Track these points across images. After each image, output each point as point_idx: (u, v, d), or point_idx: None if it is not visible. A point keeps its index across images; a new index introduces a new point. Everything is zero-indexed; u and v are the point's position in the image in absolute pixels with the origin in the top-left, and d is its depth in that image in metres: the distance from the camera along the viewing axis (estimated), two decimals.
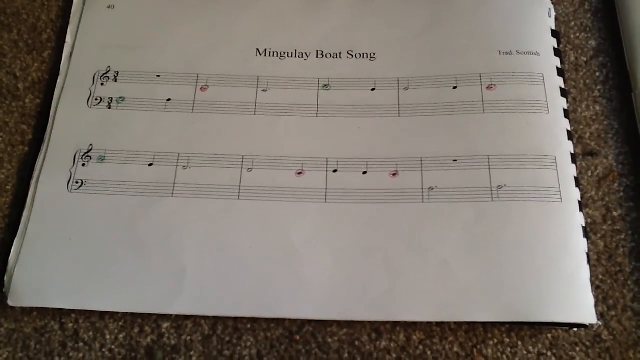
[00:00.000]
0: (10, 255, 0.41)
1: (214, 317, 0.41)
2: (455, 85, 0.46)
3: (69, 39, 0.49)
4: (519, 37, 0.47)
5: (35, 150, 0.46)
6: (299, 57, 0.48)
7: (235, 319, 0.41)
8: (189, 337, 0.41)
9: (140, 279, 0.41)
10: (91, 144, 0.45)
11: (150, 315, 0.41)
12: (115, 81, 0.47)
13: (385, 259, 0.41)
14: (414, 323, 0.41)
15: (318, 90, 0.47)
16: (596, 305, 0.40)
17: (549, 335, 0.41)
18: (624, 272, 0.42)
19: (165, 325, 0.41)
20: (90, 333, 0.41)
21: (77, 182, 0.44)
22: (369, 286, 0.40)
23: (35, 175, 0.44)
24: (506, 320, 0.40)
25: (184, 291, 0.40)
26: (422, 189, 0.43)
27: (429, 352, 0.40)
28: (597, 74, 0.49)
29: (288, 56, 0.48)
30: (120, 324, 0.41)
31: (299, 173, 0.44)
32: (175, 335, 0.41)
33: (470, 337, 0.40)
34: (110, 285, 0.40)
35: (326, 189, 0.43)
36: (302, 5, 0.50)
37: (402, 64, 0.47)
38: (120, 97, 0.47)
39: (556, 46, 0.47)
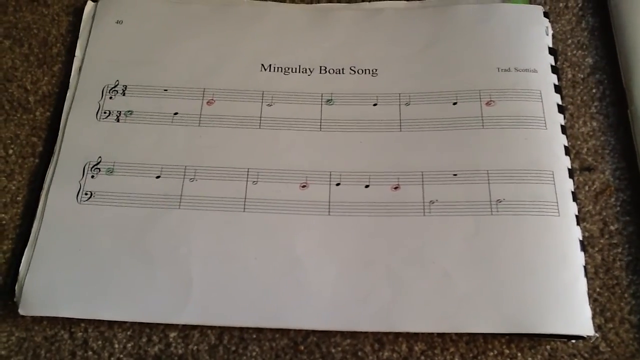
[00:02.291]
0: (21, 265, 0.42)
1: (220, 327, 0.42)
2: (455, 101, 0.47)
3: (78, 53, 0.50)
4: (517, 54, 0.48)
5: (45, 162, 0.46)
6: (303, 72, 0.49)
7: (241, 329, 0.42)
8: (195, 347, 0.41)
9: (148, 289, 0.41)
10: (100, 157, 0.46)
11: (157, 324, 0.42)
12: (124, 95, 0.48)
13: (387, 271, 0.42)
14: (416, 334, 0.41)
15: (321, 105, 0.48)
16: (594, 318, 0.41)
17: (548, 347, 0.41)
18: (621, 285, 0.43)
19: (173, 334, 0.42)
20: (99, 342, 0.42)
21: (86, 194, 0.45)
22: (372, 297, 0.41)
23: (45, 186, 0.45)
24: (506, 332, 0.40)
25: (190, 301, 0.41)
26: (423, 202, 0.44)
27: None
28: (594, 90, 0.50)
29: (292, 71, 0.49)
30: (129, 333, 0.42)
31: (303, 186, 0.45)
32: (182, 344, 0.42)
33: (471, 348, 0.41)
34: (119, 295, 0.41)
35: (329, 202, 0.44)
36: (306, 22, 0.51)
37: (403, 80, 0.48)
38: (129, 111, 0.48)
39: (553, 63, 0.48)
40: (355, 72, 0.49)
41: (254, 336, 0.42)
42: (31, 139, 0.48)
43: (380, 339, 0.42)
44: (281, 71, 0.49)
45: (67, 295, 0.41)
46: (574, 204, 0.43)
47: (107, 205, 0.44)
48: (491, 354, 0.41)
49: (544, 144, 0.45)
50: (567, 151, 0.45)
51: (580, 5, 0.53)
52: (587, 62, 0.51)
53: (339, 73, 0.49)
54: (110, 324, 0.42)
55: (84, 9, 0.52)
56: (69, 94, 0.49)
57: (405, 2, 0.52)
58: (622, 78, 0.49)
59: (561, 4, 0.53)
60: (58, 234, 0.43)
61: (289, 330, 0.42)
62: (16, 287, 0.42)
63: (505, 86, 0.47)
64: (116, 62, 0.50)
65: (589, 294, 0.41)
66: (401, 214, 0.43)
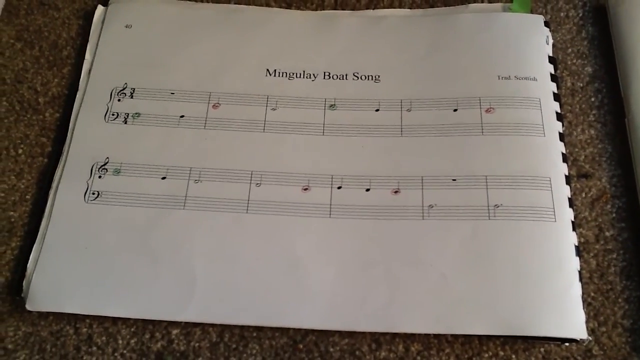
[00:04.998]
0: (29, 262, 0.43)
1: (222, 325, 0.43)
2: (456, 108, 0.48)
3: (88, 56, 0.51)
4: (517, 63, 0.49)
5: (54, 162, 0.47)
6: (307, 77, 0.50)
7: (242, 327, 0.43)
8: (197, 344, 0.42)
9: (152, 287, 0.42)
10: (107, 157, 0.47)
11: (160, 321, 0.43)
12: (132, 97, 0.49)
13: (385, 273, 0.42)
14: (413, 334, 0.42)
15: (324, 109, 0.49)
16: (587, 321, 0.41)
17: (542, 349, 0.42)
18: (615, 290, 0.44)
19: (175, 331, 0.43)
20: (104, 338, 0.43)
21: (93, 194, 0.46)
22: (370, 298, 0.42)
23: (53, 185, 0.46)
24: (501, 334, 0.41)
25: (193, 299, 0.42)
26: (422, 206, 0.44)
27: None
28: (592, 99, 0.50)
29: (297, 77, 0.50)
30: (132, 329, 0.43)
31: (305, 189, 0.46)
32: (184, 341, 0.42)
33: (466, 350, 0.42)
34: (124, 292, 0.42)
35: (330, 204, 0.45)
36: (311, 28, 0.52)
37: (405, 86, 0.49)
38: (136, 113, 0.49)
39: (553, 72, 0.49)
40: (358, 78, 0.50)
41: (254, 334, 0.43)
42: (40, 139, 0.49)
43: (378, 339, 0.42)
44: (286, 76, 0.50)
45: (73, 291, 0.42)
46: (571, 210, 0.44)
47: (114, 204, 0.45)
48: (486, 355, 0.42)
49: (542, 151, 0.46)
50: (565, 158, 0.46)
51: (580, 15, 0.54)
52: (587, 71, 0.52)
53: (342, 79, 0.50)
54: (115, 320, 0.43)
55: (94, 13, 0.53)
56: (78, 95, 0.50)
57: (408, 10, 0.53)
58: (620, 87, 0.50)
59: (562, 14, 0.54)
60: (65, 232, 0.44)
61: (288, 329, 0.43)
62: (24, 283, 0.43)
63: (505, 94, 0.48)
64: (125, 65, 0.51)
65: (583, 298, 0.41)
66: (400, 218, 0.44)
